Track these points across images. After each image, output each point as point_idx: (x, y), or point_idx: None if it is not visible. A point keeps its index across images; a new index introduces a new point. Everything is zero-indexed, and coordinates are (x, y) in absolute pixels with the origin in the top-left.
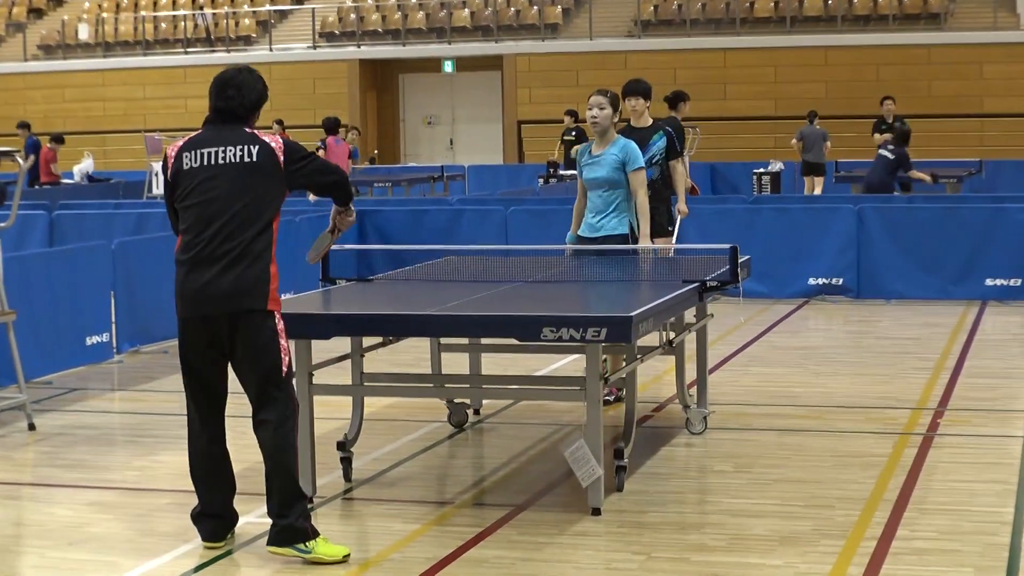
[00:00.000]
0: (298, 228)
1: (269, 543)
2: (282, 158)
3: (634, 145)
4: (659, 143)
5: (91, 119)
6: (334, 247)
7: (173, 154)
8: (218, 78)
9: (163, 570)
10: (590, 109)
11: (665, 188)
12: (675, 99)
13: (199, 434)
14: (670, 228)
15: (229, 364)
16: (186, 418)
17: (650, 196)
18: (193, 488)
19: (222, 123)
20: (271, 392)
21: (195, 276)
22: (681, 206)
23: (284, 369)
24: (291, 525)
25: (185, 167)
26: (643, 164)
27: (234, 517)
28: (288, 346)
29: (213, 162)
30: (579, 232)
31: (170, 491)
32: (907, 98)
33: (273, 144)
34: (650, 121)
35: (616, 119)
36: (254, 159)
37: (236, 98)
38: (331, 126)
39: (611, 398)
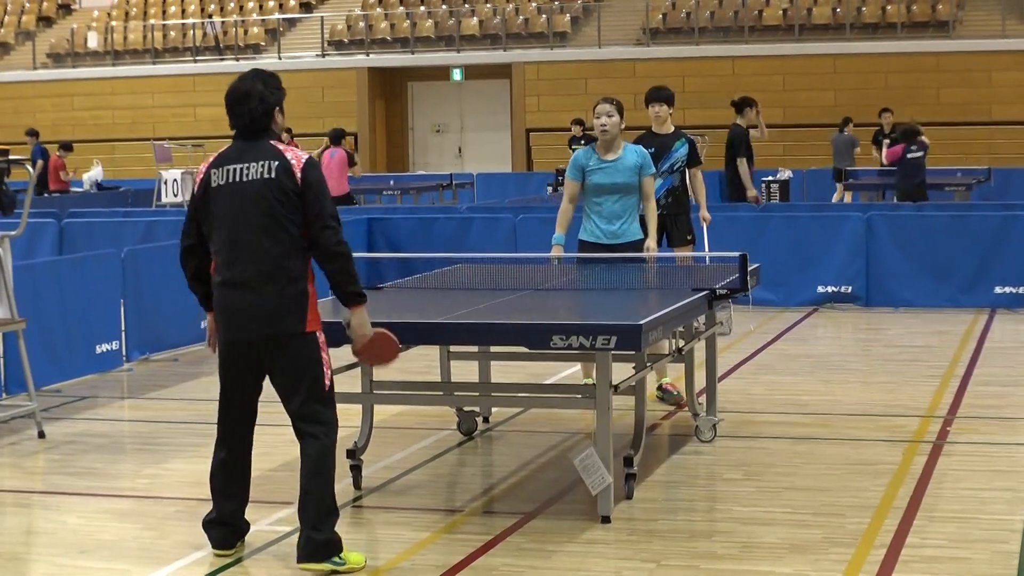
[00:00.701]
0: None
1: (301, 560)
2: (299, 175)
3: (645, 152)
4: (681, 150)
5: (100, 127)
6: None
7: (203, 170)
8: (227, 95)
9: None
10: (597, 118)
11: (686, 196)
12: (741, 104)
13: (223, 444)
14: (689, 238)
15: (266, 380)
16: (216, 424)
17: (671, 204)
18: (208, 495)
19: (245, 138)
20: (315, 407)
21: (231, 299)
22: (704, 213)
23: (327, 383)
24: (328, 540)
25: (213, 185)
26: (655, 171)
27: (244, 526)
28: (330, 359)
29: (237, 180)
30: (587, 238)
31: (180, 499)
32: (916, 106)
33: (293, 161)
34: (672, 128)
35: (622, 126)
36: (272, 175)
37: (246, 114)
38: (335, 136)
39: (662, 394)
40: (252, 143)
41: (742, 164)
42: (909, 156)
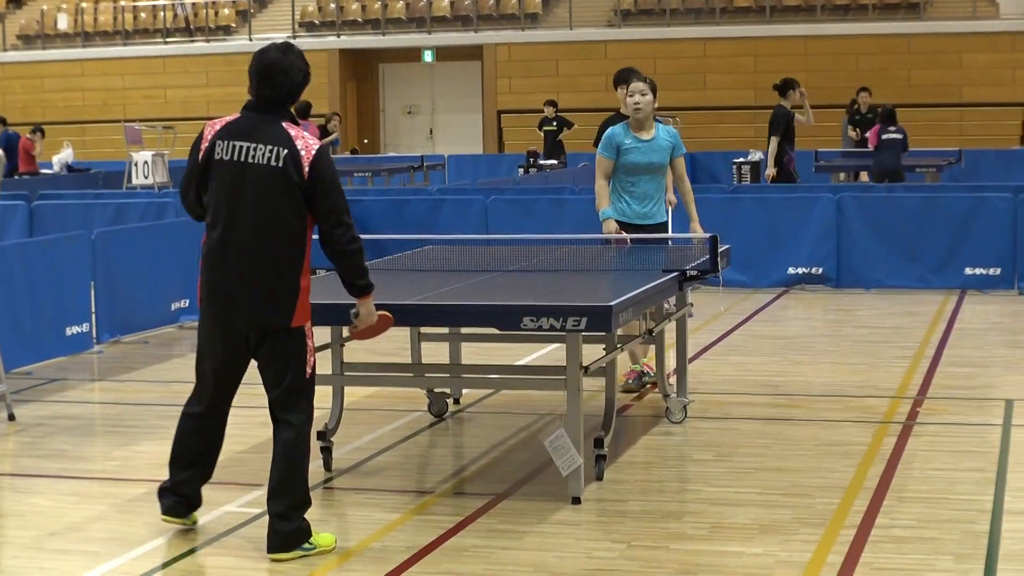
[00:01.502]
0: None
1: (271, 550)
2: (307, 168)
3: (676, 132)
4: None
5: (70, 109)
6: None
7: (209, 136)
8: (262, 62)
9: (143, 559)
10: (631, 96)
11: None
12: (784, 87)
13: (194, 417)
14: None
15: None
16: (188, 396)
17: None
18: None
19: (260, 111)
20: (294, 396)
21: (221, 282)
22: (670, 196)
23: (308, 371)
24: (297, 528)
25: (217, 156)
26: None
27: (198, 501)
28: (314, 347)
29: (243, 159)
30: (621, 218)
31: (150, 481)
32: (887, 87)
33: (303, 152)
34: None
35: (655, 105)
36: (279, 164)
37: (285, 85)
38: (302, 110)
39: (632, 381)
40: (266, 120)
41: (773, 142)
42: (884, 137)
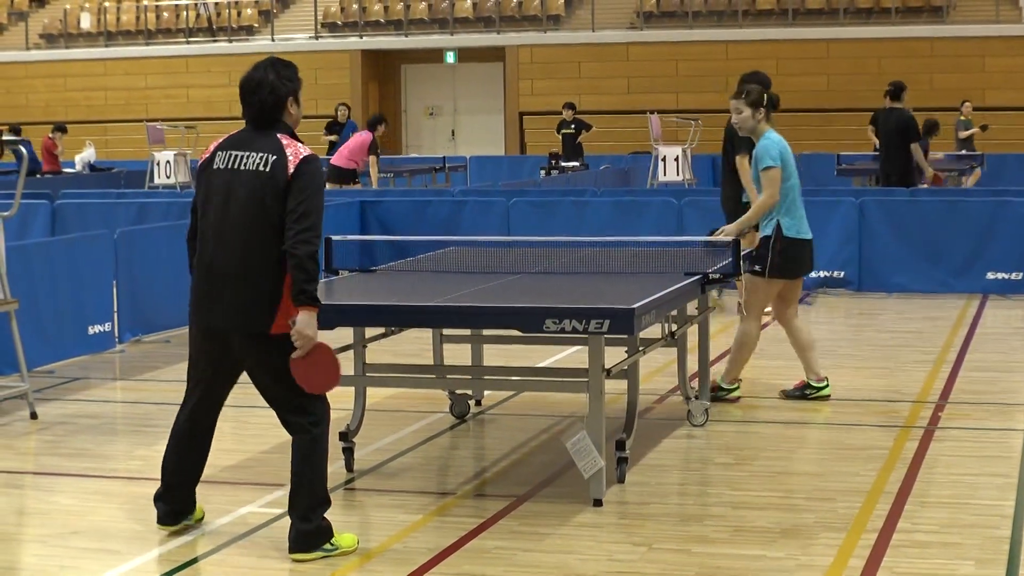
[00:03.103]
0: None
1: (293, 550)
2: (291, 170)
3: (766, 144)
4: None
5: (93, 108)
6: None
7: (211, 148)
8: (240, 83)
9: (165, 558)
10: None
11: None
12: (898, 90)
13: (182, 422)
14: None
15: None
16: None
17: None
18: (203, 477)
19: (256, 127)
20: (302, 401)
21: (207, 288)
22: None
23: None
24: (317, 528)
25: (214, 166)
26: (771, 163)
27: (191, 506)
28: None
29: (236, 167)
30: None
31: None
32: (909, 91)
33: (291, 157)
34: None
35: (760, 116)
36: (267, 168)
37: (256, 104)
38: (371, 122)
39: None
40: (260, 133)
41: (917, 150)
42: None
